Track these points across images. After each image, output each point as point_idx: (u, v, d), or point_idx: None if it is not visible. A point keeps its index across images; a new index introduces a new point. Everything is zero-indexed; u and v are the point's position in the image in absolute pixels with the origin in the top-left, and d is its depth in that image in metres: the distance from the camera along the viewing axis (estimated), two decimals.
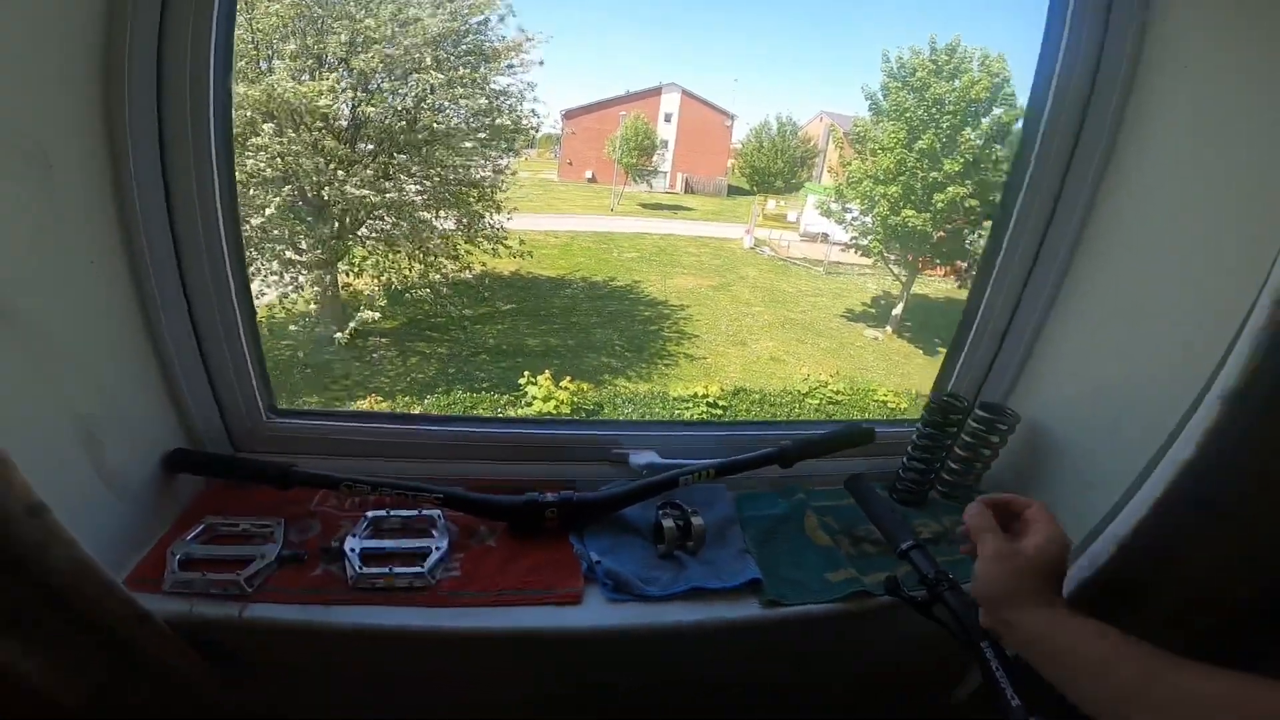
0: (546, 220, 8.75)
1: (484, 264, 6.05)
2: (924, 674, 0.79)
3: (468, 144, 5.74)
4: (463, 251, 5.84)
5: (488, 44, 5.90)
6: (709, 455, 0.88)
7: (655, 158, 8.01)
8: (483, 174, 5.90)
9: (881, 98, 7.96)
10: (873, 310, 9.32)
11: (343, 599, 0.69)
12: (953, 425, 0.91)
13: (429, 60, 5.44)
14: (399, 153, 5.44)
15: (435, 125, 5.24)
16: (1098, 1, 0.77)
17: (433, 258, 5.60)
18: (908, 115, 7.59)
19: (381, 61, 5.21)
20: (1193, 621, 0.68)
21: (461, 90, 5.43)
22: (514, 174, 6.28)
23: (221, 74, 0.68)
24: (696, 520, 0.78)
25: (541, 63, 5.71)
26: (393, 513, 0.79)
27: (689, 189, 8.56)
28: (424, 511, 0.79)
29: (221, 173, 0.71)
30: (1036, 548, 0.56)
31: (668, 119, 8.47)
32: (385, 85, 5.48)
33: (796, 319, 8.77)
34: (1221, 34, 0.71)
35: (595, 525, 0.80)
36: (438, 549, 0.73)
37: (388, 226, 5.33)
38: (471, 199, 5.72)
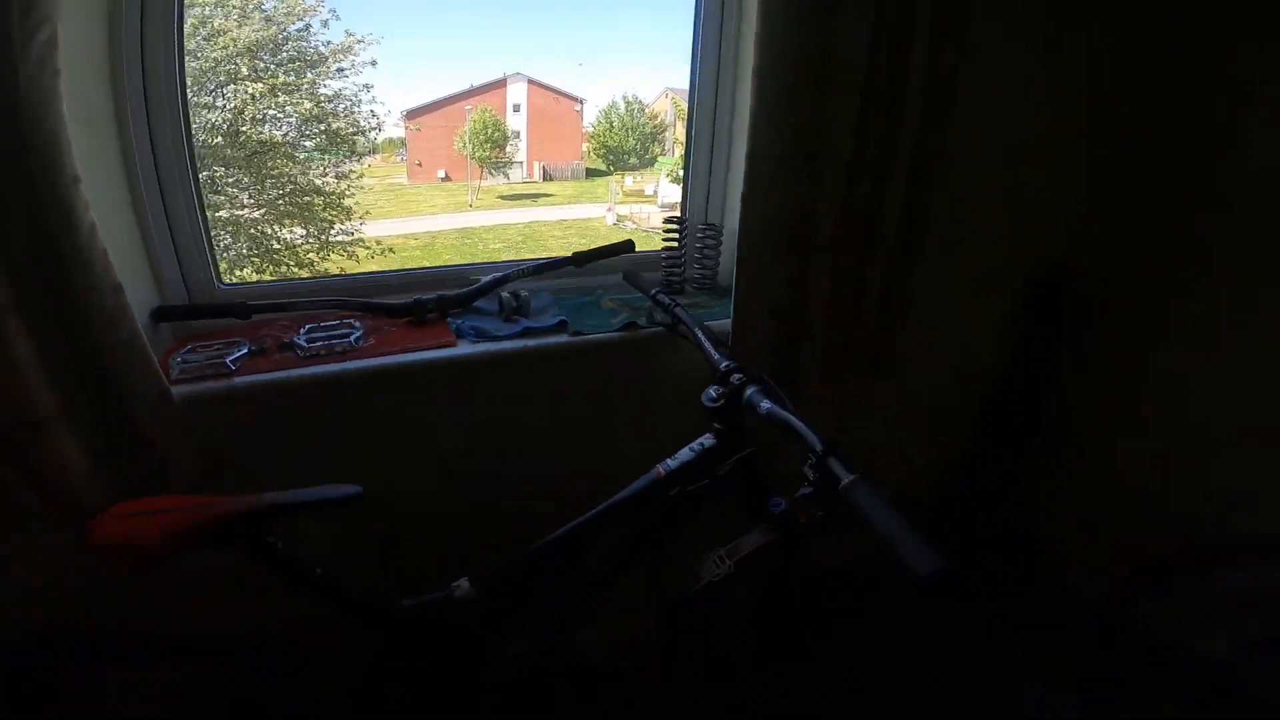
0: (403, 224, 8.89)
1: (341, 270, 6.18)
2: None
3: (300, 154, 5.88)
4: (315, 260, 5.97)
5: (311, 49, 6.05)
6: None
7: (509, 149, 8.45)
8: (325, 180, 6.05)
9: None
10: None
11: (299, 364, 1.16)
12: (681, 235, 1.52)
13: (245, 70, 5.55)
14: (222, 167, 5.50)
15: (259, 136, 5.37)
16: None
17: (283, 268, 5.70)
18: None
19: (190, 78, 5.26)
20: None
21: (286, 97, 5.58)
22: (360, 177, 6.49)
23: (180, 57, 1.16)
24: (524, 294, 1.33)
25: (374, 63, 5.98)
26: (321, 324, 1.26)
27: (547, 176, 9.05)
28: (343, 322, 1.28)
29: (182, 116, 1.19)
30: None
31: (516, 109, 8.90)
32: (200, 100, 5.51)
33: None
34: None
35: (460, 312, 1.33)
36: (357, 332, 1.23)
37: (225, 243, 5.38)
38: (317, 206, 5.88)
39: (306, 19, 6.18)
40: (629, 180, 10.25)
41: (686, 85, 1.56)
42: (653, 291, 1.28)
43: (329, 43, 6.32)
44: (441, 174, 9.91)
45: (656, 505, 1.03)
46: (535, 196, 9.92)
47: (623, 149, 10.05)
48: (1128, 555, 1.55)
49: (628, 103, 9.83)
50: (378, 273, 1.39)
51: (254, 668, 1.10)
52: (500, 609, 1.08)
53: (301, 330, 1.24)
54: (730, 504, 1.01)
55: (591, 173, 10.84)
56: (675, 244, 1.51)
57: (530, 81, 10.21)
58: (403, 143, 9.68)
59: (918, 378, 1.55)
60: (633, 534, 1.07)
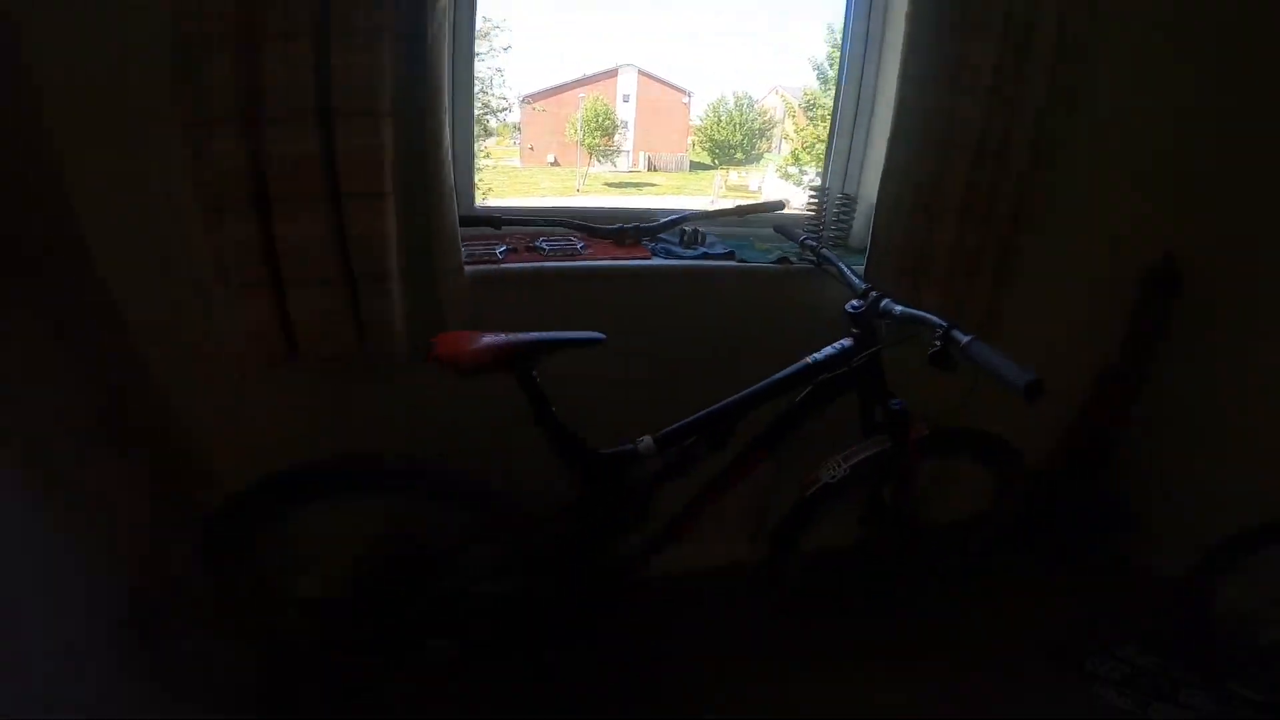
0: (518, 203, 9.66)
1: None
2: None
3: None
4: None
5: None
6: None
7: (617, 138, 9.05)
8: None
9: (828, 67, 9.19)
10: None
11: (543, 259, 1.66)
12: (821, 202, 1.93)
13: None
14: None
15: None
16: None
17: None
18: None
19: None
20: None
21: None
22: (485, 156, 7.24)
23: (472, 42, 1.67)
24: (700, 230, 1.79)
25: (508, 48, 6.70)
26: (551, 237, 1.76)
27: (652, 166, 9.53)
28: (568, 237, 1.77)
29: (470, 69, 1.70)
30: None
31: (626, 99, 9.48)
32: None
33: None
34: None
35: (650, 240, 1.80)
36: (580, 244, 1.72)
37: None
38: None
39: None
40: (732, 175, 10.60)
41: (794, 84, 1.98)
42: (801, 237, 1.69)
43: None
44: (551, 158, 10.58)
45: (801, 387, 1.42)
46: (640, 185, 10.41)
47: (729, 144, 10.41)
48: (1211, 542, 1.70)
49: (737, 98, 10.20)
50: (584, 207, 1.89)
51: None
52: (670, 463, 1.44)
53: (540, 239, 1.74)
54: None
55: (695, 165, 11.25)
56: (815, 209, 1.93)
57: (640, 72, 10.69)
58: (516, 127, 10.39)
59: (1028, 347, 1.86)
60: (778, 416, 1.47)
